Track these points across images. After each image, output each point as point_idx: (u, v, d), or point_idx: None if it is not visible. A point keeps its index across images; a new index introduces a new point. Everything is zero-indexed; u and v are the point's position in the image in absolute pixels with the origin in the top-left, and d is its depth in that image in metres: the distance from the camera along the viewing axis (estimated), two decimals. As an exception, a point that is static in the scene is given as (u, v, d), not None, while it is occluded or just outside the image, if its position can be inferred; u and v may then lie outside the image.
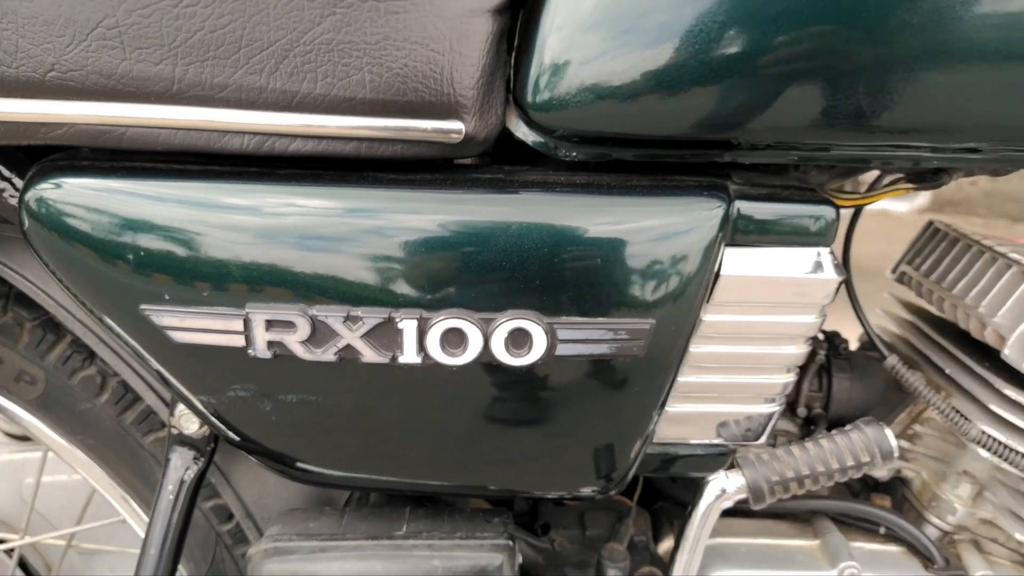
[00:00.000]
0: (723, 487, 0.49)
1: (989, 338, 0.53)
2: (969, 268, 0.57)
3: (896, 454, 0.47)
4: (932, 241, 0.63)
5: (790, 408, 0.61)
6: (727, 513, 0.57)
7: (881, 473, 0.60)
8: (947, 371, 0.57)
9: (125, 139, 0.43)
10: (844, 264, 0.59)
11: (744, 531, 0.59)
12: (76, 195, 0.44)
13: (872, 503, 0.59)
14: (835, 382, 0.60)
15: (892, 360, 0.56)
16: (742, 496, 0.49)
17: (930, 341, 0.59)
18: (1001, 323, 0.52)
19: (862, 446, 0.47)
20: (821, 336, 0.64)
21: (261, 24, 0.43)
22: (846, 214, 0.55)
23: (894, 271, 0.66)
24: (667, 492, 0.65)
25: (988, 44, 0.40)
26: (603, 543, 0.60)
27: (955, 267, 0.59)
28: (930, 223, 0.65)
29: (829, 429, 0.60)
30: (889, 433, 0.48)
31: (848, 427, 0.49)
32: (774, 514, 0.61)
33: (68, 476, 0.72)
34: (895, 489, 0.62)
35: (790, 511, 0.60)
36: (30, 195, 0.44)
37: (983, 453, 0.53)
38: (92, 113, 0.43)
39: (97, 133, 0.44)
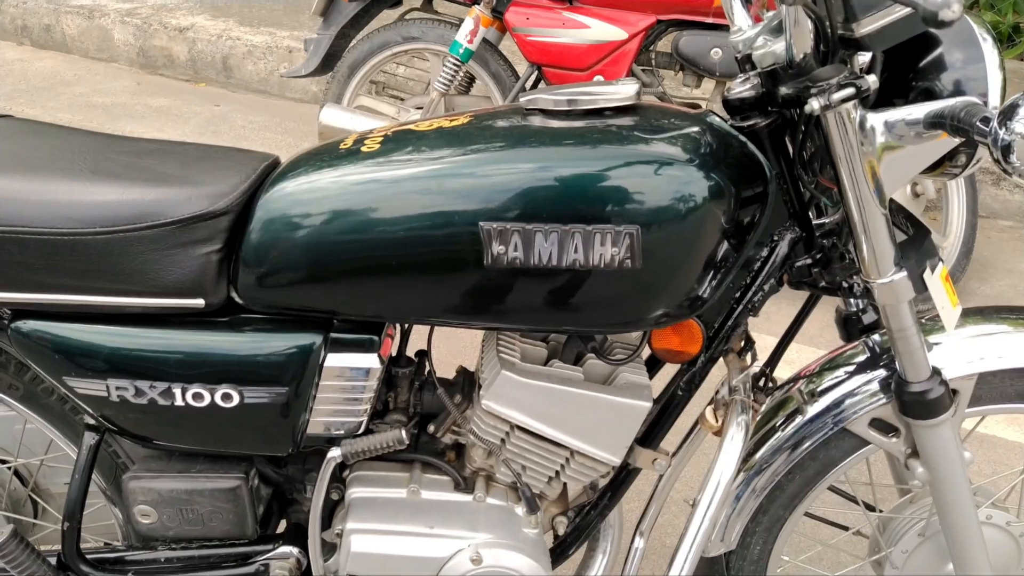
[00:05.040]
0: (332, 455, 1.08)
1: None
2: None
3: (405, 443, 1.06)
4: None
5: (406, 410, 1.20)
6: (377, 458, 1.16)
7: (447, 440, 1.19)
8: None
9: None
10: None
11: (381, 469, 1.18)
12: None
13: (441, 457, 1.18)
14: (424, 396, 1.19)
15: (440, 391, 1.14)
16: (340, 460, 1.08)
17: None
18: (484, 373, 1.11)
19: (389, 439, 1.06)
20: (426, 371, 1.22)
21: (111, 261, 0.99)
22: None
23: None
24: None
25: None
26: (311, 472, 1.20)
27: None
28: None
29: (424, 422, 1.19)
30: (403, 433, 1.06)
31: (386, 426, 1.08)
32: (402, 460, 1.20)
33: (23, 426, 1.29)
34: (461, 449, 1.21)
35: (401, 460, 1.19)
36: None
37: (472, 438, 1.13)
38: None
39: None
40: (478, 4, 2.63)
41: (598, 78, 2.59)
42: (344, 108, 2.68)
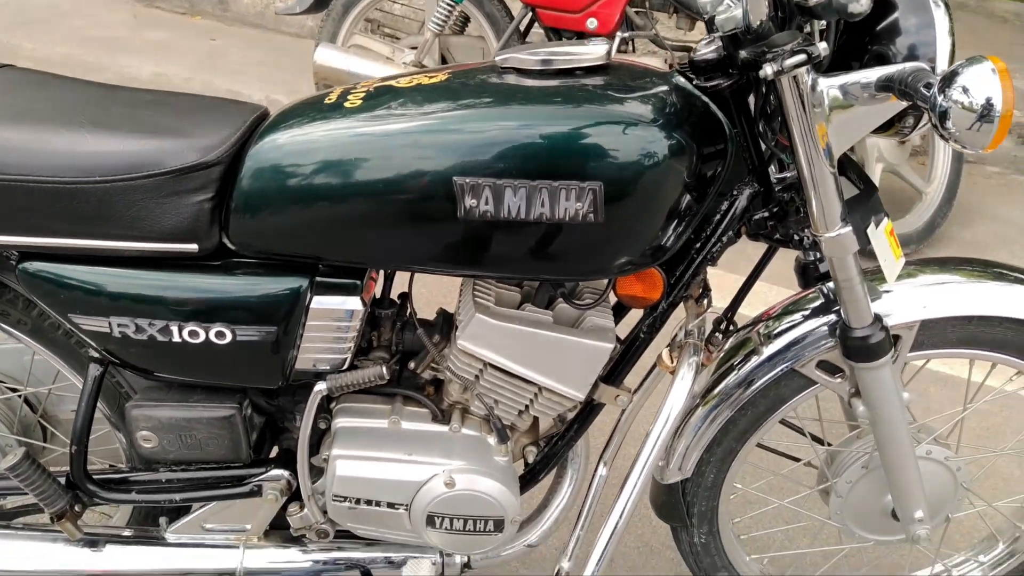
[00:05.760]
0: (318, 388, 1.17)
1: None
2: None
3: (386, 378, 1.15)
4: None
5: (389, 348, 1.28)
6: (361, 391, 1.25)
7: (426, 376, 1.28)
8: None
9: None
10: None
11: (365, 401, 1.27)
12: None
13: (420, 391, 1.27)
14: (405, 336, 1.27)
15: (420, 331, 1.23)
16: (326, 393, 1.17)
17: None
18: (461, 315, 1.19)
19: (371, 374, 1.15)
20: (407, 312, 1.30)
21: (110, 208, 1.06)
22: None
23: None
24: None
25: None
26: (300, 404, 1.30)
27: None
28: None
29: (405, 358, 1.28)
30: (384, 369, 1.15)
31: (369, 363, 1.17)
32: (385, 394, 1.29)
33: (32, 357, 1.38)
34: (439, 384, 1.30)
35: (383, 393, 1.28)
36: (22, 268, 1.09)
37: (449, 374, 1.21)
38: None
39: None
40: (472, -56, 2.63)
41: (591, 21, 2.60)
42: (338, 48, 2.69)
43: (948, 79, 0.87)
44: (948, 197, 2.81)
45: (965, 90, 0.86)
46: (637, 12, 2.71)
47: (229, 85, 3.84)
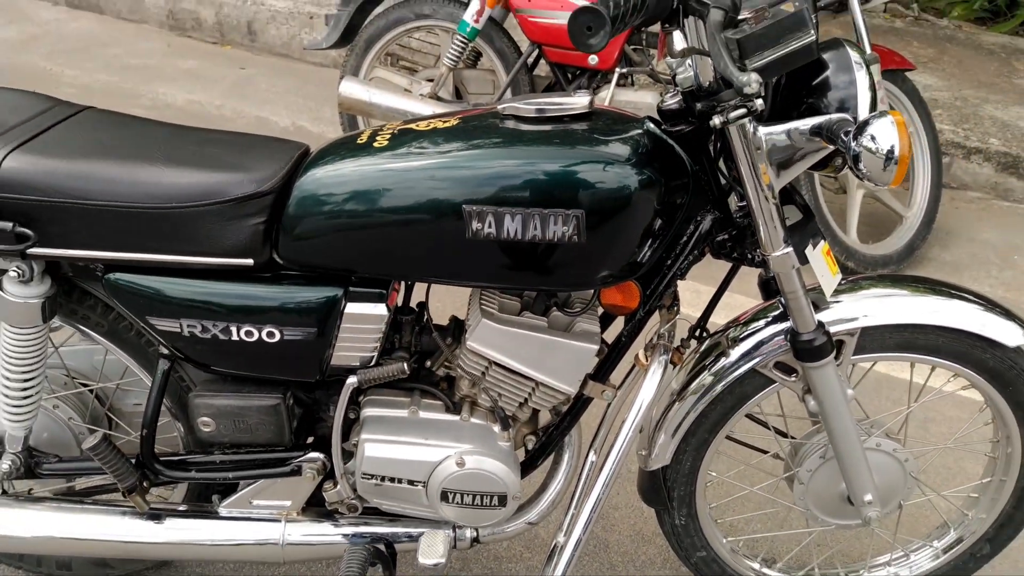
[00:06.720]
0: (350, 381, 1.39)
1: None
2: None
3: (406, 373, 1.37)
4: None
5: (409, 348, 1.50)
6: (386, 385, 1.47)
7: (440, 373, 1.50)
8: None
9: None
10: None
11: (389, 394, 1.49)
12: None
13: (435, 386, 1.49)
14: (423, 338, 1.49)
15: (435, 334, 1.44)
16: (356, 385, 1.38)
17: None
18: (470, 321, 1.41)
19: (394, 370, 1.37)
20: (425, 318, 1.52)
21: (183, 229, 1.29)
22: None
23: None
24: None
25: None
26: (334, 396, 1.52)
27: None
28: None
29: (423, 358, 1.50)
30: (405, 366, 1.37)
31: (392, 361, 1.39)
32: (405, 388, 1.51)
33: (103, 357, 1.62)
34: (451, 380, 1.52)
35: (404, 387, 1.50)
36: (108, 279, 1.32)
37: (459, 371, 1.43)
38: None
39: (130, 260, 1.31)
40: (484, -14, 2.88)
41: (592, 57, 2.84)
42: (361, 81, 2.95)
43: (861, 128, 1.09)
44: (927, 221, 3.01)
45: (873, 138, 1.08)
46: (635, 49, 2.94)
47: (258, 112, 4.11)
